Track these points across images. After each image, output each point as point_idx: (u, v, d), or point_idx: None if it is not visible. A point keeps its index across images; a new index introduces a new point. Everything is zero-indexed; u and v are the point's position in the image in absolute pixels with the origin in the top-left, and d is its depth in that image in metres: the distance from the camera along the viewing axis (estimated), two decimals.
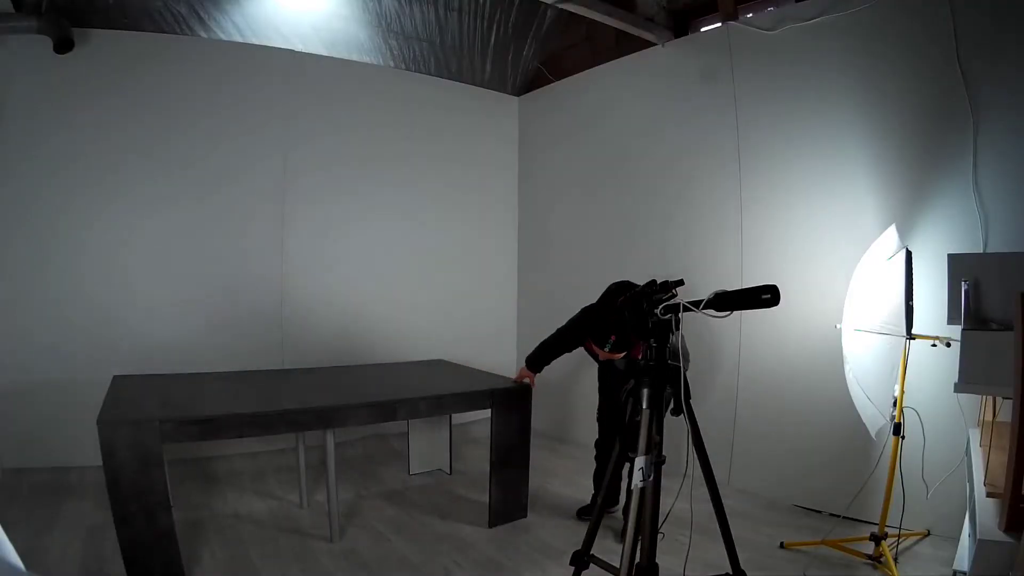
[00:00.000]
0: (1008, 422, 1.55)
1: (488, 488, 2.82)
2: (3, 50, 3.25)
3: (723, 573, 1.61)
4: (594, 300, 2.59)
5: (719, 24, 3.54)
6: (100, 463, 2.01)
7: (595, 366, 2.88)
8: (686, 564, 1.75)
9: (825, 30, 3.06)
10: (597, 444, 2.91)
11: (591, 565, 1.69)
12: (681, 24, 3.99)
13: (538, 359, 2.80)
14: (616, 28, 3.89)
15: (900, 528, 2.46)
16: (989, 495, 1.62)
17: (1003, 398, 1.96)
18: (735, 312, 1.45)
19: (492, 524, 2.81)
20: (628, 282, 2.43)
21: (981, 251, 2.52)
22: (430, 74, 4.65)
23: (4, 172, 3.30)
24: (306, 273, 4.11)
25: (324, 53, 4.22)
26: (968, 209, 2.58)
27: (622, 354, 2.43)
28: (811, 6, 3.12)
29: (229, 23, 3.87)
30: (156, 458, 2.07)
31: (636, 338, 2.26)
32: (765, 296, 1.37)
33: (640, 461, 1.48)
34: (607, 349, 2.35)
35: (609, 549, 1.68)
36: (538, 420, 3.00)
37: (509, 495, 2.87)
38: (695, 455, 1.54)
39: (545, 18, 4.52)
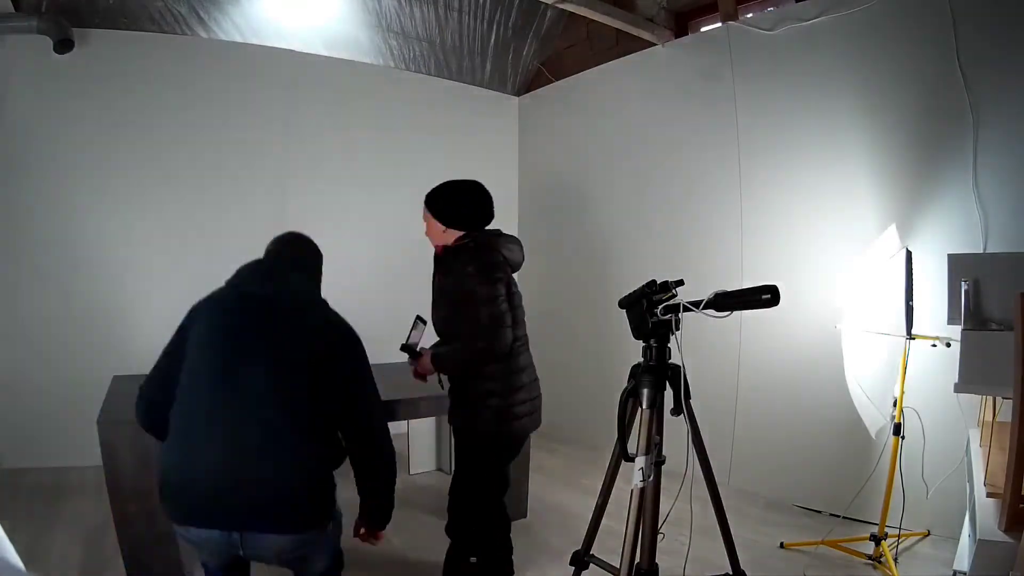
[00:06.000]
0: (1008, 422, 1.55)
1: None
2: (3, 50, 3.25)
3: (723, 573, 1.62)
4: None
5: (719, 24, 3.54)
6: (100, 463, 2.01)
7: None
8: (686, 564, 1.75)
9: (825, 30, 3.06)
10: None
11: (591, 565, 1.69)
12: (681, 24, 3.99)
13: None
14: (616, 28, 3.89)
15: (900, 528, 2.46)
16: (989, 495, 1.62)
17: (1003, 398, 1.96)
18: (735, 312, 1.45)
19: None
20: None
21: (981, 251, 2.52)
22: (430, 74, 4.64)
23: (4, 172, 3.30)
24: None
25: (324, 53, 4.21)
26: (968, 209, 2.58)
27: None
28: (811, 6, 3.12)
29: (229, 23, 3.86)
30: (156, 458, 2.06)
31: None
32: (765, 296, 1.37)
33: (640, 461, 1.48)
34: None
35: (609, 549, 1.67)
36: None
37: (509, 495, 2.86)
38: (695, 455, 1.54)
39: (545, 18, 4.52)
